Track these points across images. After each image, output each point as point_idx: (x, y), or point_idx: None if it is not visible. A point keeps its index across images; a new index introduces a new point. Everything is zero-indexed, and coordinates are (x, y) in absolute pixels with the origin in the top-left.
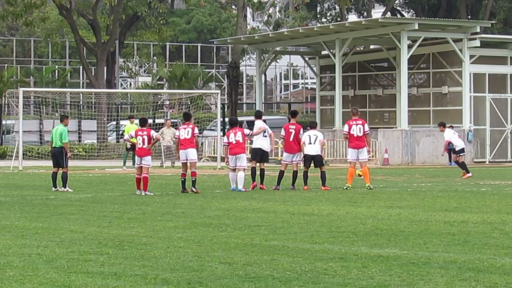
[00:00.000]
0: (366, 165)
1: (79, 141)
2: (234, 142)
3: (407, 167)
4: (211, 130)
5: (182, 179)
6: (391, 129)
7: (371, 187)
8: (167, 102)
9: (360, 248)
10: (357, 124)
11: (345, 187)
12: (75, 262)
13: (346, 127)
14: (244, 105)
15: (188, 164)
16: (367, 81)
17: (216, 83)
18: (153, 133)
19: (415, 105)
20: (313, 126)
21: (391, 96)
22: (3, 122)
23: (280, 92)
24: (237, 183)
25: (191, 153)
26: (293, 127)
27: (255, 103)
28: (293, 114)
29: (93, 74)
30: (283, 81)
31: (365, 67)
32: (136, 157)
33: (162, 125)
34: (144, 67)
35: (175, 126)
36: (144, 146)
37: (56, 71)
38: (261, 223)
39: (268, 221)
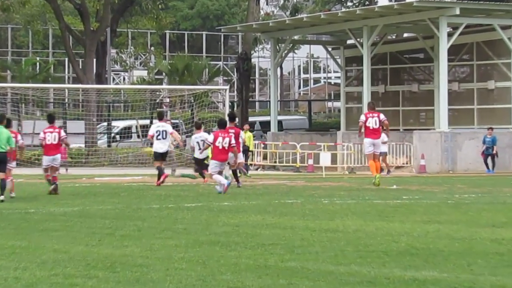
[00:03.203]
0: (377, 158)
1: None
2: (220, 147)
3: (447, 175)
4: None
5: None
6: (428, 131)
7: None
8: (167, 100)
9: (393, 270)
10: (373, 117)
11: (379, 180)
12: (59, 287)
13: (363, 117)
14: (257, 103)
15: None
16: (400, 75)
17: (224, 78)
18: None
19: (457, 103)
20: (198, 127)
21: (428, 92)
22: None
23: (299, 88)
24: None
25: (58, 158)
26: (233, 131)
27: (269, 101)
28: (232, 117)
29: (80, 67)
30: (302, 75)
31: (398, 58)
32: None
33: None
34: (140, 59)
35: (176, 127)
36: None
37: (38, 64)
38: (276, 241)
39: (285, 239)
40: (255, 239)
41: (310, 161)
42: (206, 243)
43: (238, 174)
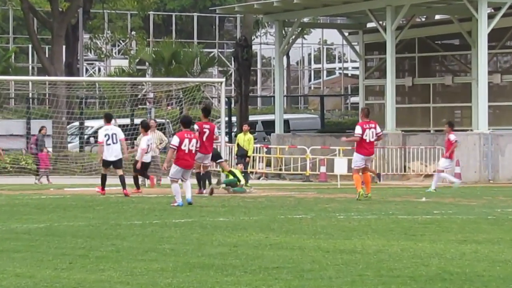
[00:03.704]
0: (367, 171)
1: (27, 149)
2: (187, 151)
3: (487, 185)
4: None
5: None
6: (464, 133)
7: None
8: (151, 95)
9: None
10: (370, 128)
11: (363, 196)
12: None
13: (359, 129)
14: (259, 99)
15: None
16: (431, 65)
17: (220, 69)
18: None
19: (499, 98)
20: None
21: (465, 86)
22: None
23: (309, 80)
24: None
25: None
26: (208, 126)
27: (273, 96)
28: (207, 112)
29: (47, 55)
30: (313, 66)
31: (428, 45)
32: None
33: None
34: (119, 46)
35: (162, 128)
36: None
37: None
38: (282, 264)
39: (292, 262)
40: (256, 262)
41: (323, 169)
42: (198, 267)
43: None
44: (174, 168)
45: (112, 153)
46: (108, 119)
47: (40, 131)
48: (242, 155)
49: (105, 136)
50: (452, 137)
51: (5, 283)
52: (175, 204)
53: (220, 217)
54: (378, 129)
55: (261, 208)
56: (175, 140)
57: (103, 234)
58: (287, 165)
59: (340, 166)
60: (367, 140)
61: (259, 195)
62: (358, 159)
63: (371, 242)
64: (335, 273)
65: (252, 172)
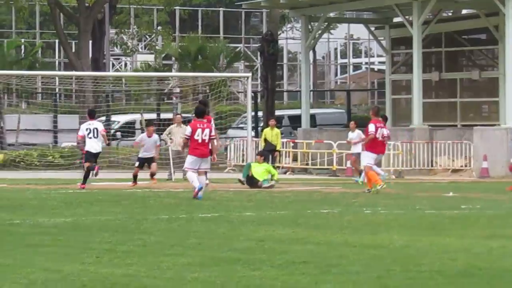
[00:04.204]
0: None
1: (55, 143)
2: (200, 141)
3: None
4: (238, 128)
5: None
6: (492, 128)
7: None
8: (177, 90)
9: None
10: (381, 127)
11: (378, 187)
12: None
13: (372, 127)
14: (285, 94)
15: None
16: (458, 60)
17: (246, 63)
18: None
19: None
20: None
21: (492, 81)
22: None
23: (336, 75)
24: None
25: None
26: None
27: (300, 91)
28: (205, 104)
29: (73, 50)
30: (340, 61)
31: (455, 40)
32: None
33: (170, 121)
34: (145, 41)
35: (189, 122)
36: None
37: (23, 47)
38: (309, 259)
39: (319, 256)
40: (283, 257)
41: (349, 164)
42: (225, 261)
43: None
44: (190, 159)
45: (96, 147)
46: (92, 115)
47: None
48: (270, 150)
49: (87, 130)
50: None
51: (32, 277)
52: (196, 189)
53: (246, 212)
54: (387, 130)
55: (288, 203)
56: (187, 130)
57: (130, 228)
58: (314, 160)
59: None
60: (379, 139)
61: (285, 190)
62: (368, 157)
63: (398, 237)
64: (361, 268)
65: (279, 167)
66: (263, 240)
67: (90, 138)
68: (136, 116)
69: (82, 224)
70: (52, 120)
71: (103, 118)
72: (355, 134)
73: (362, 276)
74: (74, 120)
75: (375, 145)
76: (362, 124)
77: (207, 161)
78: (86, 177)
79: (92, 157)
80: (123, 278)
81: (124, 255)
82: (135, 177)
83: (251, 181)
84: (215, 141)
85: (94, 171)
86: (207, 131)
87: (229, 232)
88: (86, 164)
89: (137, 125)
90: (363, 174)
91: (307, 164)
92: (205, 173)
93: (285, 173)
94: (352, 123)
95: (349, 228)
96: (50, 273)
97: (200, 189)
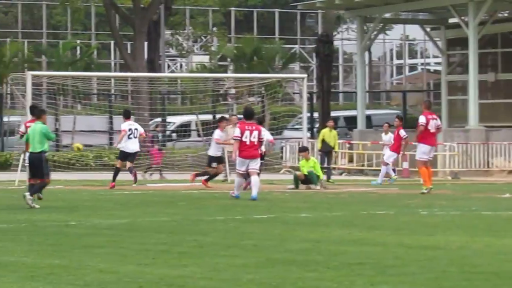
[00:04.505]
0: (430, 165)
1: (110, 145)
2: (248, 143)
3: None
4: (293, 129)
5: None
6: None
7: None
8: (233, 91)
9: None
10: (433, 119)
11: (425, 190)
12: None
13: (423, 118)
14: (340, 95)
15: None
16: None
17: (301, 64)
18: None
19: None
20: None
21: None
22: (5, 119)
23: (391, 76)
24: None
25: None
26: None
27: (355, 92)
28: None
29: (129, 51)
30: (395, 61)
31: (511, 41)
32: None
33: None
34: (200, 42)
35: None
36: None
37: (78, 48)
38: (364, 260)
39: (375, 258)
40: (339, 258)
41: (405, 165)
42: (280, 262)
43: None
44: (237, 160)
45: (133, 147)
46: (128, 115)
47: (155, 128)
48: (328, 151)
49: (129, 130)
50: (402, 132)
51: (88, 278)
52: (233, 194)
53: (302, 213)
54: (439, 121)
55: (344, 204)
56: (236, 132)
57: (186, 229)
58: (370, 161)
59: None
60: (431, 131)
61: (341, 191)
62: (424, 150)
63: (454, 238)
64: (418, 269)
65: (334, 168)
66: (318, 242)
67: (130, 138)
68: (191, 117)
69: (138, 225)
70: (108, 121)
71: (159, 119)
72: (388, 137)
73: (418, 277)
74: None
75: (427, 136)
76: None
77: (256, 161)
78: (115, 175)
79: (126, 157)
80: (179, 279)
81: (179, 256)
82: (213, 176)
83: (307, 181)
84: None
85: (133, 178)
86: (255, 133)
87: (285, 233)
88: (118, 163)
89: (193, 126)
90: (380, 176)
91: (363, 165)
92: (257, 173)
93: (340, 174)
94: (385, 125)
95: (405, 229)
96: (106, 275)
97: (237, 197)
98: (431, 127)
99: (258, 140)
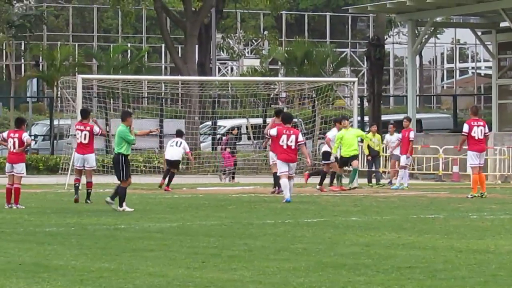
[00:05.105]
0: (481, 171)
1: (160, 148)
2: (285, 147)
3: None
4: None
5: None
6: None
7: (486, 195)
8: (284, 95)
9: None
10: (478, 126)
11: (470, 196)
12: None
13: (466, 127)
14: (391, 98)
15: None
16: None
17: (352, 68)
18: (25, 135)
19: None
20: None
21: None
22: (55, 122)
23: (442, 80)
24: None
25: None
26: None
27: (406, 96)
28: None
29: (180, 55)
30: (446, 65)
31: None
32: (7, 164)
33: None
34: (251, 45)
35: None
36: (15, 150)
37: (129, 51)
38: (414, 264)
39: (425, 261)
40: (389, 262)
41: (455, 168)
42: (330, 266)
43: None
44: (278, 163)
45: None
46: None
47: (231, 131)
48: (374, 156)
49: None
50: (411, 135)
51: (138, 282)
52: (283, 200)
53: (352, 217)
54: (486, 129)
55: (394, 208)
56: (272, 131)
57: (235, 233)
58: (420, 165)
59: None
60: (476, 137)
61: (391, 195)
62: (472, 157)
63: (505, 242)
64: (468, 273)
65: (384, 172)
66: (368, 245)
67: (172, 146)
68: (242, 121)
69: (188, 229)
70: (158, 125)
71: (209, 122)
72: (394, 138)
73: (468, 281)
74: (180, 125)
75: (473, 143)
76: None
77: (293, 166)
78: (169, 179)
79: (170, 164)
80: (229, 283)
81: (229, 260)
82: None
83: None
84: (304, 147)
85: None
86: (292, 137)
87: (335, 237)
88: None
89: (243, 130)
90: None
91: (413, 169)
92: (291, 178)
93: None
94: (391, 127)
95: (455, 233)
96: (155, 278)
97: (289, 201)
98: (476, 134)
99: (296, 144)
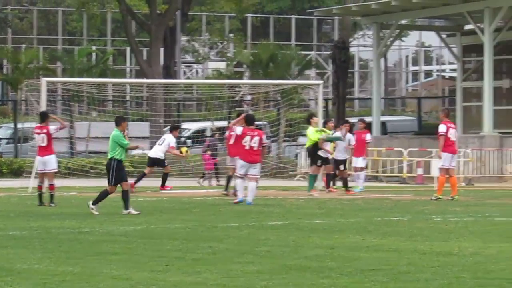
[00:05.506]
0: (454, 173)
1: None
2: (248, 147)
3: None
4: None
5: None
6: None
7: (456, 198)
8: (249, 98)
9: None
10: (453, 128)
11: (434, 198)
12: None
13: (443, 127)
14: (356, 101)
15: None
16: None
17: (317, 71)
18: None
19: None
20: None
21: None
22: (19, 125)
23: (407, 83)
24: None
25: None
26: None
27: (371, 98)
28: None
29: (145, 58)
30: (411, 68)
31: None
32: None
33: None
34: (216, 48)
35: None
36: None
37: (94, 54)
38: (378, 266)
39: (389, 264)
40: (353, 264)
41: (420, 171)
42: (295, 269)
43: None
44: (238, 163)
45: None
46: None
47: (213, 135)
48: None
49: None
50: (368, 136)
51: (102, 286)
52: (236, 200)
53: (316, 219)
54: (457, 132)
55: (358, 210)
56: (238, 129)
57: (200, 236)
58: (384, 167)
59: (437, 168)
60: (451, 139)
61: (355, 198)
62: (447, 158)
63: (468, 244)
64: (431, 275)
65: (349, 175)
66: (333, 248)
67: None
68: (207, 124)
69: (152, 232)
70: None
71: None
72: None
73: (432, 283)
74: (144, 128)
75: (448, 145)
76: (433, 132)
77: (256, 167)
78: (163, 180)
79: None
80: (193, 286)
81: (194, 263)
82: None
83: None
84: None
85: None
86: (256, 139)
87: (299, 240)
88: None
89: (208, 133)
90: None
91: (377, 172)
92: (256, 180)
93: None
94: (346, 125)
95: (419, 236)
96: (119, 281)
97: (241, 202)
98: (451, 135)
99: (259, 146)
